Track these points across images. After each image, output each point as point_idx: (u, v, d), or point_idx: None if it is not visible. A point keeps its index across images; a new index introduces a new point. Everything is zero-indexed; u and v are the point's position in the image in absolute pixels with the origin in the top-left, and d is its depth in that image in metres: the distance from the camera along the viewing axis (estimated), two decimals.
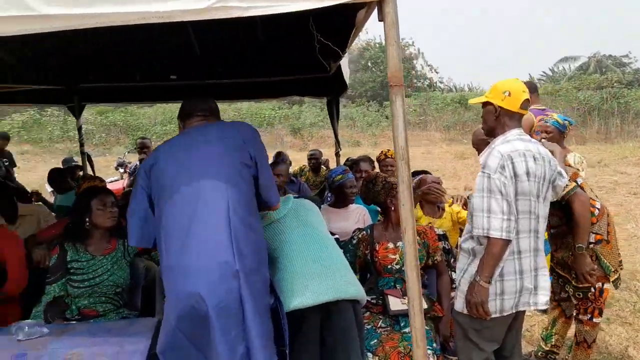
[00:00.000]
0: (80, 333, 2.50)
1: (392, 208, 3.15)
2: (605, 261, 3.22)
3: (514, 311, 2.55)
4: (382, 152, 4.99)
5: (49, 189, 6.23)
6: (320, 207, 3.26)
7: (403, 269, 2.56)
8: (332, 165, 6.80)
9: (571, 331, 3.63)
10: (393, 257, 3.09)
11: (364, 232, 3.25)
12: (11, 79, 5.02)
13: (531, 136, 3.03)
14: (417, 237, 3.08)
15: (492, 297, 2.47)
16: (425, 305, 2.88)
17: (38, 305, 2.83)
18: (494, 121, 2.61)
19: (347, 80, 5.28)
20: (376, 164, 5.08)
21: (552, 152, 3.01)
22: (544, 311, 3.90)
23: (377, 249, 3.13)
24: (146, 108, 25.09)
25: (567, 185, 2.86)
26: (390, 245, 3.13)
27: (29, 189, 5.90)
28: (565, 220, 3.16)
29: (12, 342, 2.38)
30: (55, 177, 5.54)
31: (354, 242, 3.22)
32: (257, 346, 2.14)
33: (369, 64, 32.43)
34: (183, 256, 2.17)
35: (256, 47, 4.64)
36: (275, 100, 22.57)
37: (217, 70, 5.26)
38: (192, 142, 2.40)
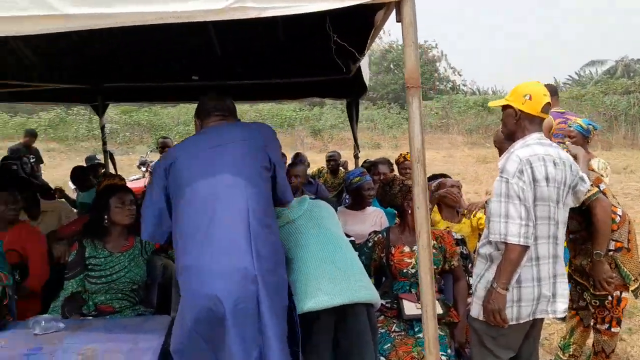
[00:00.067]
0: (95, 329, 2.53)
1: (409, 211, 3.12)
2: (625, 269, 3.14)
3: (531, 319, 2.50)
4: (401, 154, 4.96)
5: (72, 186, 6.35)
6: (336, 209, 3.25)
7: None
8: (351, 167, 6.79)
9: (590, 341, 3.55)
10: (409, 261, 3.06)
11: (380, 235, 3.22)
12: (37, 78, 5.14)
13: (550, 139, 2.97)
14: (434, 242, 3.06)
15: (509, 304, 2.42)
16: (440, 311, 2.85)
17: (56, 300, 2.89)
18: (514, 125, 2.56)
19: (367, 82, 5.26)
20: (395, 167, 5.05)
21: (575, 155, 2.96)
22: (563, 319, 3.82)
23: (392, 252, 3.10)
24: (169, 108, 25.44)
25: (589, 190, 2.79)
26: (406, 249, 3.10)
27: (52, 186, 6.01)
28: (585, 226, 3.09)
29: (29, 335, 2.42)
30: (78, 175, 5.64)
31: (370, 244, 3.20)
32: (274, 348, 2.13)
33: (391, 66, 32.34)
34: (201, 257, 2.17)
35: (277, 48, 4.66)
36: (296, 101, 22.65)
37: (238, 71, 5.28)
38: (216, 142, 2.38)
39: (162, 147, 7.18)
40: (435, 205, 3.80)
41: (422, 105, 2.10)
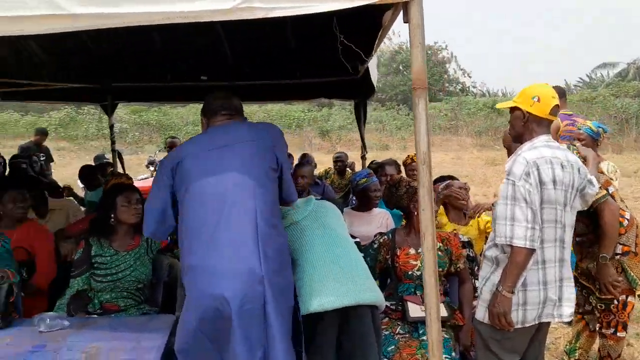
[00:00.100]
0: (100, 327, 2.54)
1: (415, 213, 3.10)
2: (632, 273, 3.10)
3: (536, 322, 2.47)
4: (408, 156, 4.94)
5: (81, 185, 6.39)
6: (342, 210, 3.24)
7: None
8: (358, 168, 6.78)
9: (596, 346, 3.51)
10: (414, 263, 3.05)
11: (386, 236, 3.21)
12: (47, 77, 5.18)
13: (557, 141, 2.95)
14: (440, 244, 3.05)
15: (515, 308, 2.40)
16: (445, 313, 2.83)
17: (62, 298, 2.90)
18: (522, 127, 2.54)
19: (375, 84, 5.25)
20: (402, 168, 5.03)
21: (585, 158, 2.93)
22: (569, 323, 3.79)
23: (398, 254, 3.09)
24: (179, 108, 25.56)
25: (597, 192, 2.77)
26: (412, 251, 3.08)
27: (61, 184, 6.06)
28: (592, 229, 3.06)
29: (34, 333, 2.44)
30: (86, 174, 5.69)
31: (375, 246, 3.19)
32: (278, 349, 2.13)
33: (401, 68, 32.25)
34: (208, 257, 2.17)
35: (285, 49, 4.67)
36: (304, 102, 22.67)
37: (246, 72, 5.30)
38: (223, 141, 2.38)
39: (170, 146, 7.23)
40: (443, 208, 3.78)
41: (428, 106, 2.09)
